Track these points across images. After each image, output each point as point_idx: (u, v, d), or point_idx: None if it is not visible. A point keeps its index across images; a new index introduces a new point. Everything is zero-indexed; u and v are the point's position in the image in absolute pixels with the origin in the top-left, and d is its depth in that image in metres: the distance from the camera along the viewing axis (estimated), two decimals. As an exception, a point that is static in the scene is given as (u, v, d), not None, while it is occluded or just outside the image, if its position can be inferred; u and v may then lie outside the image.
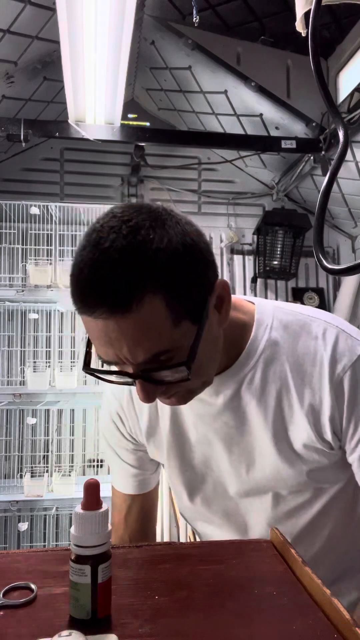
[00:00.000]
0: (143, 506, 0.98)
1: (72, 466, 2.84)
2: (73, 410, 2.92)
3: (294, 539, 0.85)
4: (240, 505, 0.87)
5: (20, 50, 2.15)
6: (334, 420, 0.77)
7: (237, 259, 3.17)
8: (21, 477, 2.71)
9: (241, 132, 2.67)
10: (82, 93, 2.11)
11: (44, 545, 2.75)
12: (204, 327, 0.66)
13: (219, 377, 0.79)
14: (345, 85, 2.11)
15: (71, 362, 2.90)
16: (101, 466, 2.91)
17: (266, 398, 0.79)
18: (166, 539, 2.22)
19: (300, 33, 0.74)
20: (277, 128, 2.50)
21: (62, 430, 2.91)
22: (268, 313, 0.82)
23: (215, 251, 0.73)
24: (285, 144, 2.36)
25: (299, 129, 2.41)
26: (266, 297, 3.16)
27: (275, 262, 2.97)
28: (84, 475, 2.86)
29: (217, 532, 0.91)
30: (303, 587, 0.61)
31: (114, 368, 0.68)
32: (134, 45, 2.18)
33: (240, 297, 0.85)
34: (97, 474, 2.89)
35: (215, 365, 0.75)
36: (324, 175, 2.52)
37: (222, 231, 3.14)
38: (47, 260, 2.82)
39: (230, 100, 2.49)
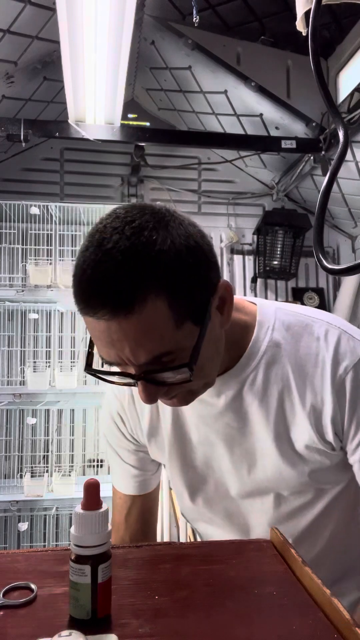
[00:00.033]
0: (144, 507, 0.98)
1: (72, 466, 2.84)
2: (73, 410, 2.92)
3: (296, 540, 0.85)
4: (241, 506, 0.87)
5: (20, 50, 2.15)
6: (336, 421, 0.77)
7: (237, 259, 3.17)
8: (21, 477, 2.71)
9: (241, 132, 2.67)
10: (82, 93, 2.11)
11: (44, 545, 2.75)
12: (206, 329, 0.66)
13: (221, 378, 0.79)
14: (345, 85, 2.11)
15: (71, 362, 2.90)
16: (101, 466, 2.91)
17: (268, 399, 0.79)
18: (166, 539, 2.22)
19: (301, 32, 0.74)
20: (277, 128, 2.50)
21: (62, 430, 2.91)
22: (270, 314, 0.82)
23: (215, 251, 0.73)
24: (285, 144, 2.36)
25: (299, 129, 2.41)
26: (266, 297, 3.16)
27: (275, 262, 2.97)
28: (84, 475, 2.86)
29: (218, 532, 0.91)
30: (303, 587, 0.61)
31: (115, 369, 0.68)
32: (134, 45, 2.18)
33: (242, 297, 0.85)
34: (97, 474, 2.89)
35: (217, 367, 0.75)
36: (324, 175, 2.52)
37: (222, 231, 3.14)
38: (47, 260, 2.82)
39: (230, 100, 2.49)
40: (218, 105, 2.60)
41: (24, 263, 2.76)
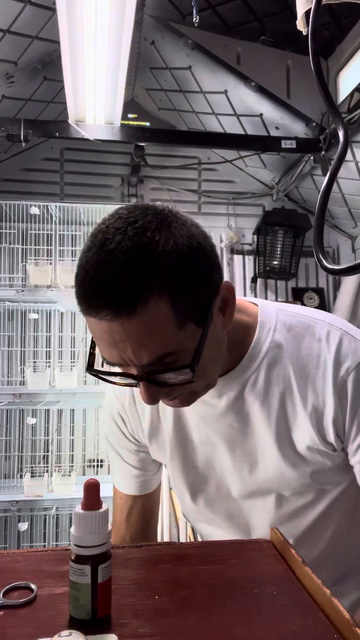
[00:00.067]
0: (145, 507, 0.98)
1: (72, 466, 2.84)
2: (73, 410, 2.92)
3: (297, 540, 0.85)
4: (243, 507, 0.87)
5: (20, 50, 2.15)
6: (337, 422, 0.77)
7: (237, 259, 3.17)
8: (21, 477, 2.71)
9: (241, 132, 2.67)
10: (82, 93, 2.11)
11: (44, 545, 2.75)
12: (208, 330, 0.66)
13: (222, 379, 0.79)
14: (345, 85, 2.11)
15: (71, 362, 2.89)
16: (101, 466, 2.91)
17: (269, 400, 0.79)
18: (166, 539, 2.22)
19: (301, 32, 0.74)
20: (277, 128, 2.50)
21: (62, 430, 2.91)
22: (271, 315, 0.82)
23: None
24: (285, 144, 2.36)
25: (299, 129, 2.41)
26: (266, 297, 3.16)
27: (275, 262, 2.97)
28: (84, 475, 2.86)
29: (219, 533, 0.91)
30: (303, 587, 0.61)
31: (117, 369, 0.68)
32: (134, 45, 2.18)
33: (243, 298, 0.85)
34: (97, 474, 2.89)
35: (219, 368, 0.75)
36: (324, 175, 2.52)
37: (222, 231, 3.14)
38: (47, 260, 2.82)
39: (230, 100, 2.50)
40: (218, 105, 2.60)
41: (24, 263, 2.76)
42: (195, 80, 2.51)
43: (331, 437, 0.78)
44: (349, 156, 2.34)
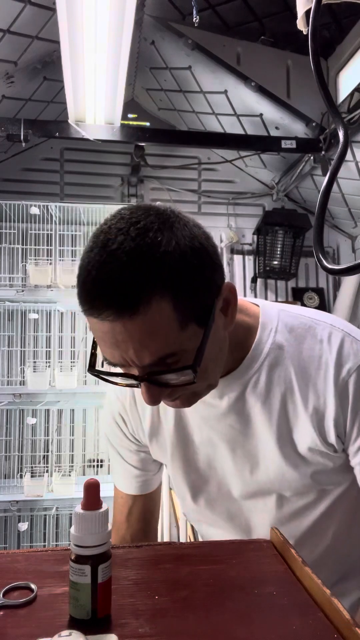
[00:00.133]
0: (145, 506, 0.98)
1: (72, 466, 2.84)
2: (73, 410, 2.92)
3: (298, 540, 0.85)
4: (243, 507, 0.87)
5: (20, 50, 2.15)
6: (338, 423, 0.77)
7: (237, 259, 3.17)
8: (21, 477, 2.71)
9: (241, 132, 2.67)
10: (82, 93, 2.11)
11: (44, 545, 2.75)
12: (210, 330, 0.66)
13: (224, 380, 0.79)
14: (345, 85, 2.11)
15: (71, 362, 2.89)
16: (101, 466, 2.91)
17: (271, 401, 0.79)
18: (166, 539, 2.22)
19: (301, 32, 0.74)
20: (277, 128, 2.50)
21: (62, 430, 2.91)
22: (273, 316, 0.82)
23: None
24: (285, 144, 2.36)
25: (299, 129, 2.41)
26: (266, 297, 3.16)
27: (275, 262, 2.97)
28: (84, 475, 2.86)
29: (220, 533, 0.91)
30: (303, 587, 0.61)
31: (119, 370, 0.67)
32: (134, 45, 2.18)
33: (244, 299, 0.85)
34: (97, 474, 2.89)
35: (220, 368, 0.75)
36: (324, 175, 2.52)
37: (222, 231, 3.14)
38: (47, 260, 2.82)
39: (230, 100, 2.50)
40: (218, 105, 2.60)
41: (24, 263, 2.76)
42: (195, 80, 2.51)
43: (332, 438, 0.78)
44: (349, 156, 2.34)
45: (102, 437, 2.89)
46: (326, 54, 2.20)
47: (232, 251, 3.17)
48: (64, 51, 1.80)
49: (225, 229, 3.15)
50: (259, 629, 0.54)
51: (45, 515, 2.73)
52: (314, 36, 0.68)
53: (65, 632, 0.50)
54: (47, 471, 2.78)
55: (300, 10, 0.73)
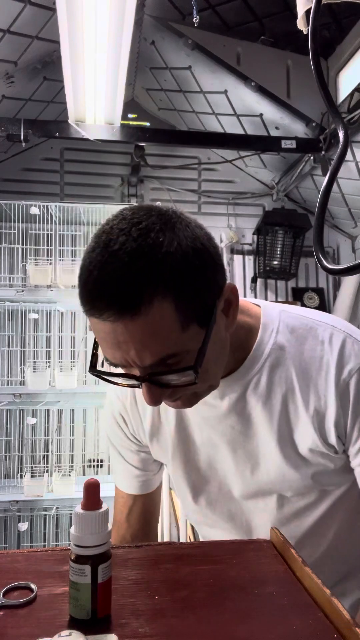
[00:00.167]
0: (145, 506, 0.98)
1: (72, 466, 2.84)
2: (73, 410, 2.92)
3: (299, 541, 0.85)
4: (244, 507, 0.87)
5: (20, 50, 2.15)
6: (339, 424, 0.77)
7: (237, 259, 3.17)
8: (21, 477, 2.71)
9: (241, 132, 2.67)
10: (82, 93, 2.11)
11: (44, 545, 2.75)
12: (211, 331, 0.66)
13: (225, 381, 0.79)
14: (345, 85, 2.11)
15: (71, 362, 2.89)
16: (101, 466, 2.91)
17: (271, 402, 0.79)
18: (166, 539, 2.22)
19: (301, 32, 0.74)
20: (277, 128, 2.50)
21: (62, 430, 2.91)
22: (274, 316, 0.82)
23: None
24: (285, 144, 2.36)
25: (299, 129, 2.41)
26: (266, 297, 3.16)
27: (275, 262, 2.97)
28: (84, 475, 2.86)
29: (221, 533, 0.91)
30: (303, 587, 0.61)
31: (120, 370, 0.67)
32: (134, 45, 2.18)
33: (246, 299, 0.85)
34: (97, 474, 2.89)
35: (221, 369, 0.75)
36: (324, 175, 2.52)
37: (222, 231, 3.14)
38: (47, 260, 2.82)
39: (230, 100, 2.50)
40: (218, 105, 2.60)
41: (24, 263, 2.76)
42: (195, 80, 2.51)
43: (333, 439, 0.78)
44: (349, 156, 2.34)
45: (102, 437, 2.89)
46: (326, 54, 2.20)
47: (232, 251, 3.17)
48: (64, 51, 1.80)
49: (225, 229, 3.15)
50: (259, 629, 0.54)
51: (45, 515, 2.73)
52: (314, 36, 0.68)
53: (65, 632, 0.50)
54: (47, 471, 2.78)
55: (300, 10, 0.73)
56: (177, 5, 2.15)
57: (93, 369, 0.69)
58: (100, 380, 0.71)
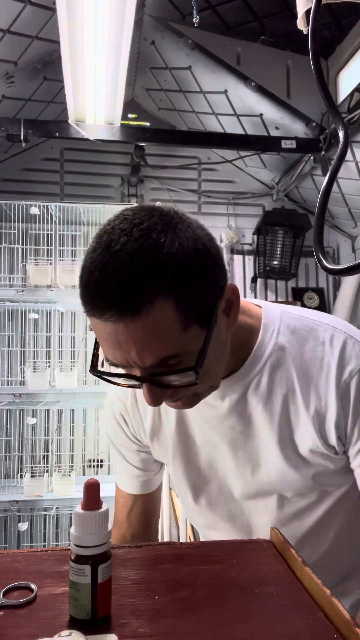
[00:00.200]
0: (146, 506, 0.98)
1: (72, 466, 2.84)
2: (73, 410, 2.92)
3: (299, 541, 0.85)
4: (244, 508, 0.87)
5: (20, 50, 2.15)
6: (339, 425, 0.77)
7: (237, 259, 3.17)
8: (21, 477, 2.71)
9: (241, 132, 2.67)
10: (82, 93, 2.11)
11: (44, 545, 2.75)
12: (212, 332, 0.66)
13: (225, 381, 0.79)
14: (345, 85, 2.11)
15: (71, 362, 2.89)
16: (101, 466, 2.91)
17: (272, 403, 0.79)
18: (166, 539, 2.22)
19: (301, 32, 0.74)
20: (277, 128, 2.50)
21: (62, 430, 2.91)
22: (275, 317, 0.82)
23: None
24: (285, 144, 2.36)
25: (299, 129, 2.41)
26: (266, 298, 3.17)
27: (275, 262, 2.97)
28: (84, 475, 2.86)
29: (221, 533, 0.91)
30: (303, 587, 0.61)
31: (121, 370, 0.67)
32: (134, 45, 2.18)
33: (247, 300, 0.85)
34: (97, 474, 2.89)
35: (222, 370, 0.75)
36: (324, 175, 2.52)
37: (222, 231, 3.14)
38: (47, 260, 2.82)
39: (230, 100, 2.50)
40: (218, 105, 2.60)
41: (24, 263, 2.76)
42: (195, 80, 2.51)
43: (333, 440, 0.78)
44: (349, 156, 2.34)
45: (102, 437, 2.89)
46: (326, 54, 2.20)
47: (232, 251, 3.17)
48: (64, 51, 1.80)
49: (225, 229, 3.15)
50: (259, 629, 0.54)
51: (45, 515, 2.73)
52: (314, 36, 0.68)
53: (65, 632, 0.50)
54: (47, 471, 2.78)
55: (300, 10, 0.73)
56: (177, 5, 2.15)
57: (94, 369, 0.69)
58: (101, 380, 0.70)
